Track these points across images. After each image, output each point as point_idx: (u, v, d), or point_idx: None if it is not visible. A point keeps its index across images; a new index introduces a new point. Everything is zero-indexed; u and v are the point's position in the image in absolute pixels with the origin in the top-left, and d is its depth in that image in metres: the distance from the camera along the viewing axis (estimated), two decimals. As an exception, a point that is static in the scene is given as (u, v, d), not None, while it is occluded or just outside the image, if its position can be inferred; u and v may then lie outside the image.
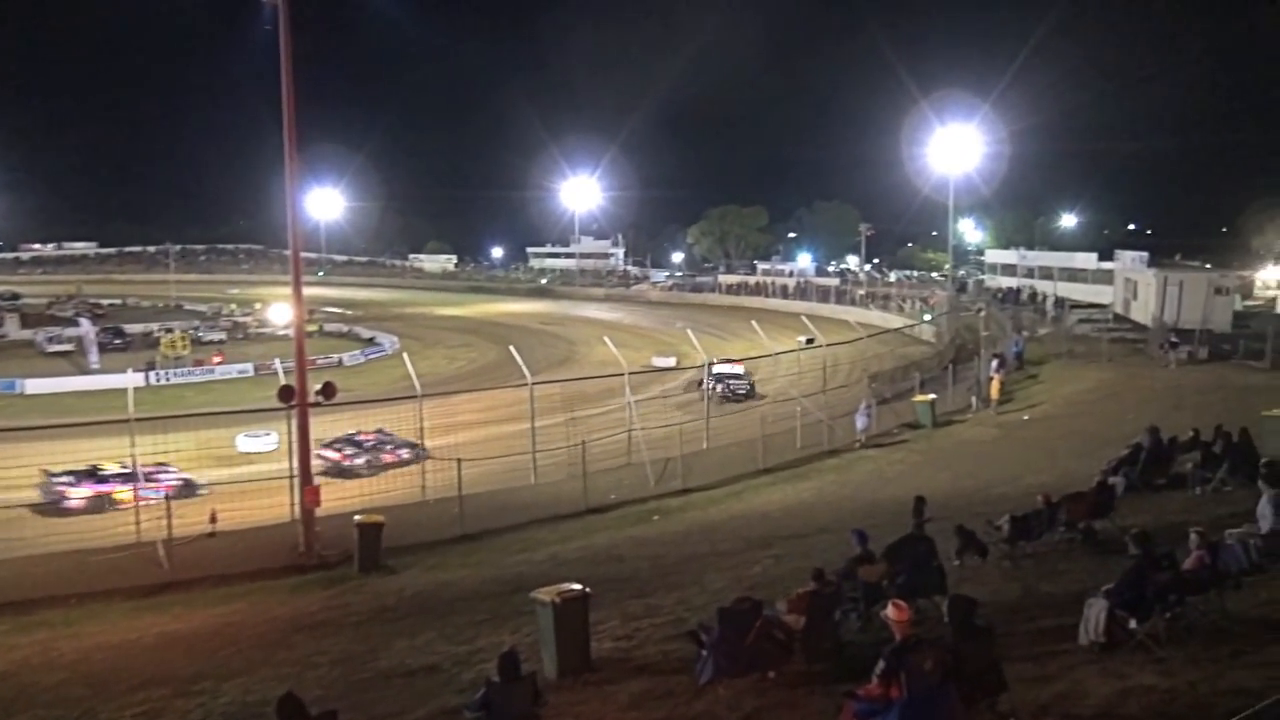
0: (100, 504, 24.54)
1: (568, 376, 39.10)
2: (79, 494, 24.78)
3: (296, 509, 20.54)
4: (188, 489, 24.84)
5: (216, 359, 52.26)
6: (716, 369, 35.39)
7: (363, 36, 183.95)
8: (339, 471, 27.78)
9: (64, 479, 24.93)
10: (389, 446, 29.15)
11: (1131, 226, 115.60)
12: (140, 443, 22.66)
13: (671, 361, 47.88)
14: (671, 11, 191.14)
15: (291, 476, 20.98)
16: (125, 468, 24.04)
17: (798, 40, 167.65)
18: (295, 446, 20.64)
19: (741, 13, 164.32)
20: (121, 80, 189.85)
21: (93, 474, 25.19)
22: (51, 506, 24.33)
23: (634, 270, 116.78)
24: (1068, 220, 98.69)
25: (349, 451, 28.90)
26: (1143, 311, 45.13)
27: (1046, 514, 13.88)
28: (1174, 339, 36.76)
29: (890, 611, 8.22)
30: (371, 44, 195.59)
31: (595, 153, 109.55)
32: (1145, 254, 55.86)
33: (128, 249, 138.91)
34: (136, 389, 27.98)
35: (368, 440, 29.35)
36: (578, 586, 10.71)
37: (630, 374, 30.55)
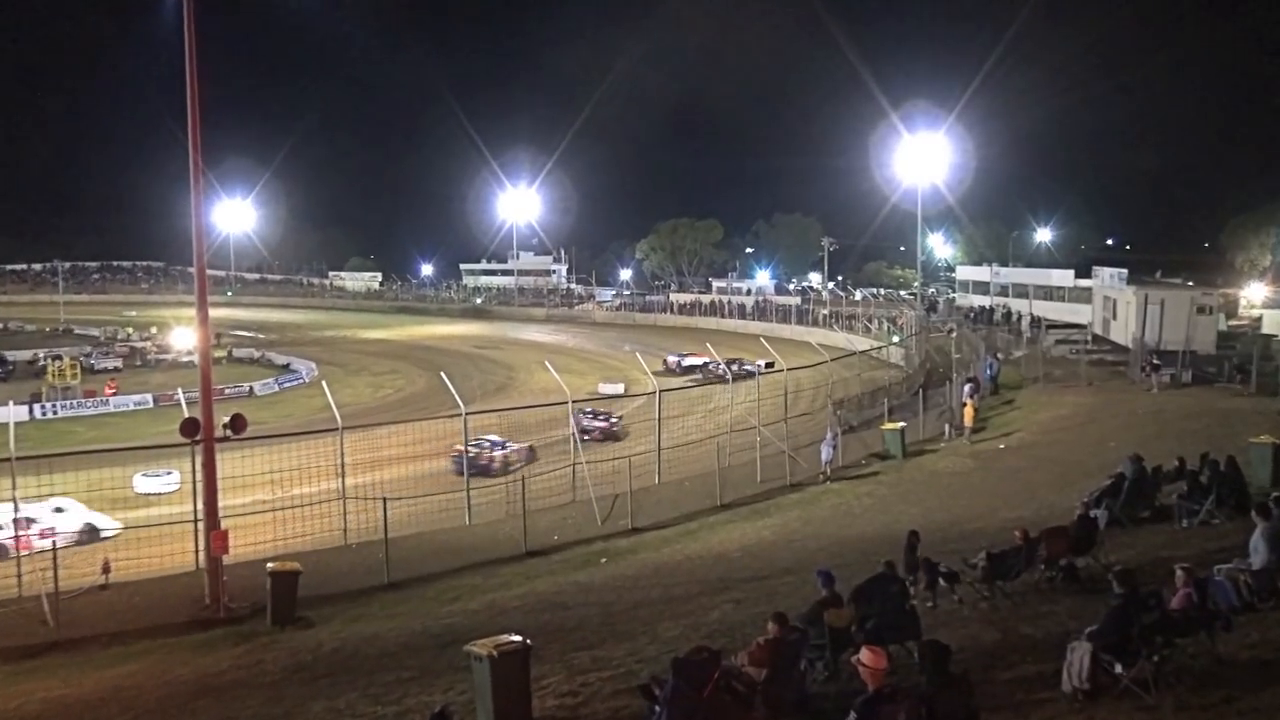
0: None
1: (506, 405, 38.86)
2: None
3: (202, 556, 20.09)
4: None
5: (110, 389, 51.15)
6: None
7: (275, 38, 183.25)
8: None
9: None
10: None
11: (1110, 242, 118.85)
12: (23, 484, 22.02)
13: (620, 388, 47.89)
14: (616, 12, 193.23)
15: (196, 520, 20.52)
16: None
17: (754, 43, 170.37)
18: (200, 486, 20.21)
19: (692, 14, 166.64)
20: None
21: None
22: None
23: (578, 289, 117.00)
24: (1043, 235, 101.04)
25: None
26: (1123, 331, 46.22)
27: (1025, 551, 14.04)
28: (1156, 361, 37.67)
29: (864, 657, 8.24)
30: (284, 46, 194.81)
31: (534, 162, 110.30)
32: (1124, 271, 57.30)
33: (9, 266, 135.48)
34: (18, 423, 27.29)
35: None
36: (517, 638, 10.58)
37: (574, 402, 30.46)
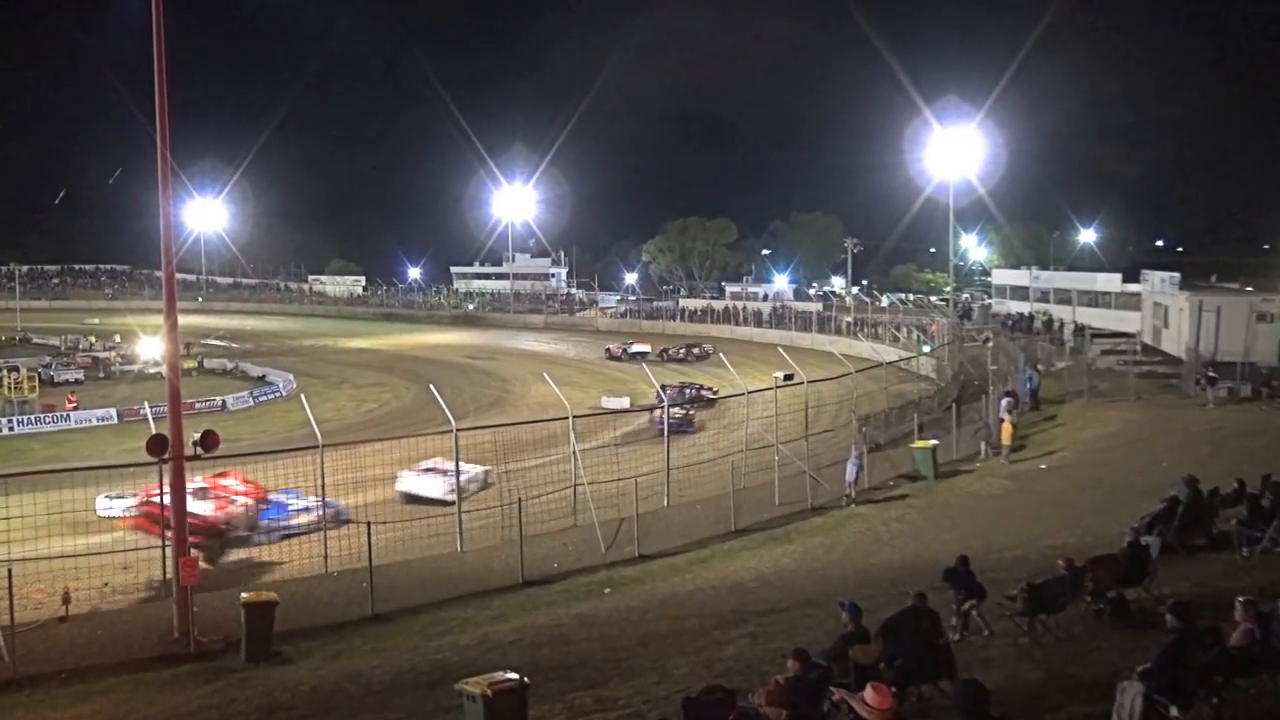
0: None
1: (500, 421, 38.82)
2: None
3: (170, 586, 20.07)
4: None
5: (71, 403, 51.20)
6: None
7: (248, 21, 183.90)
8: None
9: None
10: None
11: (1159, 243, 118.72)
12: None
13: (625, 402, 47.85)
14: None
15: (164, 546, 20.51)
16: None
17: (768, 30, 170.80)
18: (169, 508, 20.21)
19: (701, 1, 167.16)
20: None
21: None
22: None
23: (579, 294, 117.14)
24: (1086, 236, 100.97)
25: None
26: (1175, 341, 46.05)
27: (1069, 581, 13.99)
28: (1212, 374, 37.51)
29: (869, 696, 8.18)
30: (257, 29, 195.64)
31: (531, 156, 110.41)
32: (1176, 275, 57.22)
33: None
34: (-29, 440, 27.28)
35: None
36: (514, 676, 10.58)
37: (575, 418, 30.43)
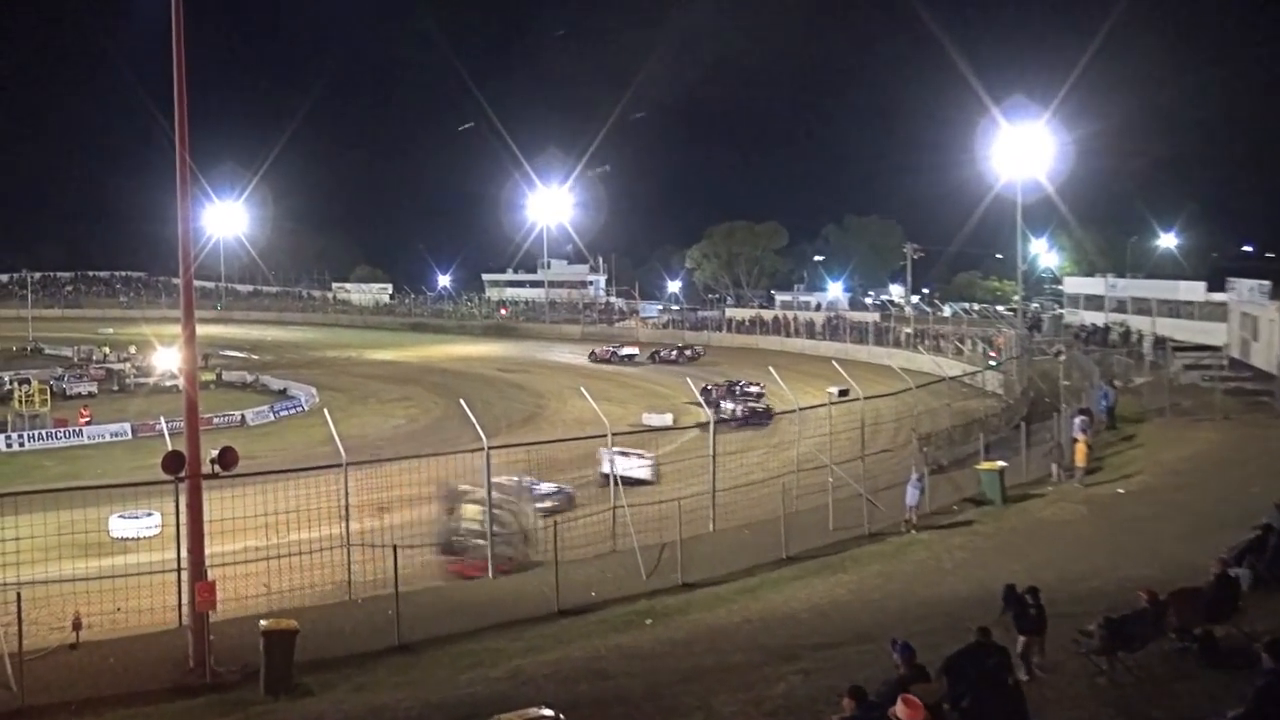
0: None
1: (535, 439, 38.91)
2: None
3: (185, 612, 20.24)
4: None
5: (84, 417, 51.91)
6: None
7: (269, 15, 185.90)
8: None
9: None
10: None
11: (1247, 248, 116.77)
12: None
13: (667, 419, 47.80)
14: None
15: (180, 569, 20.69)
16: None
17: (820, 22, 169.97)
18: (185, 530, 20.40)
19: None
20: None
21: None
22: None
23: (618, 302, 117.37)
24: (1166, 240, 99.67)
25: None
26: (1265, 355, 45.44)
27: (1151, 616, 13.84)
28: (1306, 390, 37.00)
29: (899, 710, 8.09)
30: (279, 24, 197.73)
31: (568, 156, 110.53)
32: (1266, 283, 56.26)
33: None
34: (-21, 456, 27.71)
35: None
36: (548, 712, 10.57)
37: (615, 435, 30.44)
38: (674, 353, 77.38)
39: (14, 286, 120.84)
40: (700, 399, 38.37)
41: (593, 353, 78.98)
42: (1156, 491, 29.61)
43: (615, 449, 31.28)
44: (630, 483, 31.62)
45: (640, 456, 35.54)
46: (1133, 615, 13.83)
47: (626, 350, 78.28)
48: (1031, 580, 15.75)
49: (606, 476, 30.84)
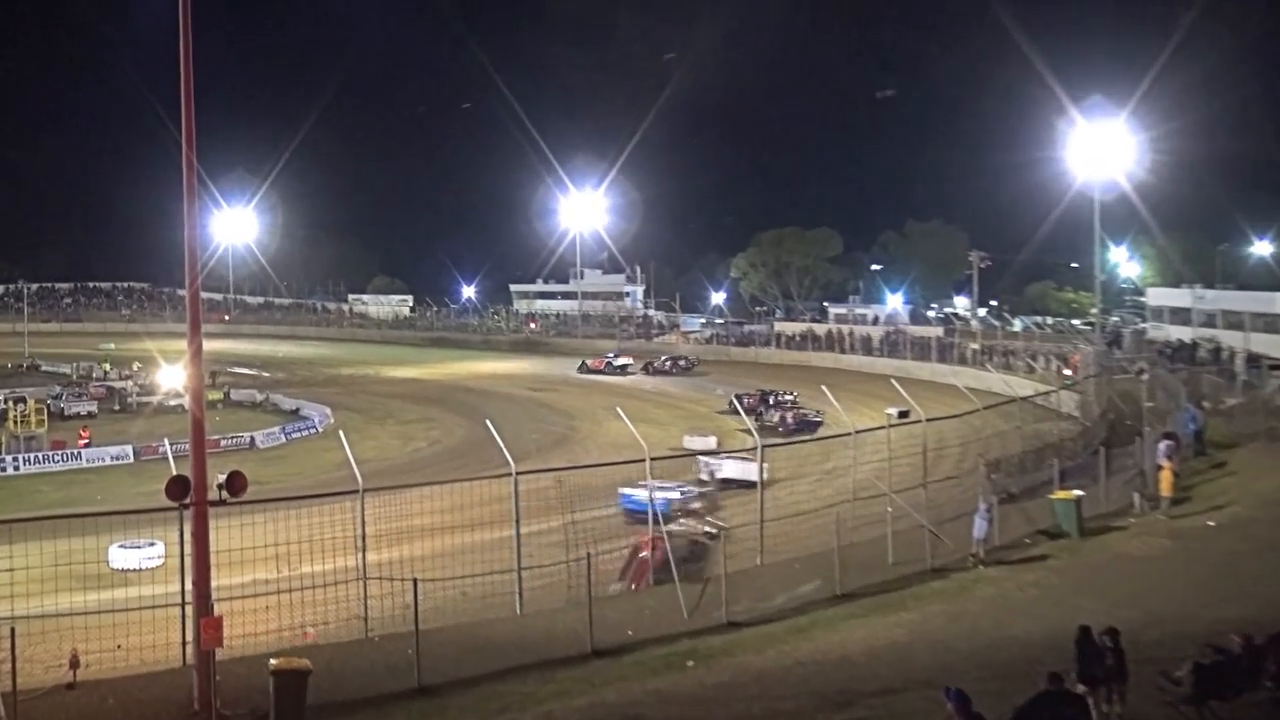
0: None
1: (566, 464, 38.97)
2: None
3: (190, 650, 20.37)
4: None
5: (83, 439, 52.48)
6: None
7: (285, 21, 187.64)
8: None
9: None
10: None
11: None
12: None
13: (711, 442, 47.78)
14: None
15: (184, 603, 20.82)
16: None
17: (878, 14, 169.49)
18: (190, 561, 20.53)
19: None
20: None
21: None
22: None
23: (658, 315, 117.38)
24: (1261, 248, 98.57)
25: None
26: (1371, 374, 44.87)
27: (1245, 662, 13.69)
28: None
29: None
30: (290, 21, 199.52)
31: (602, 159, 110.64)
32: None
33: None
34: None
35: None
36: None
37: (653, 460, 30.42)
38: (668, 363, 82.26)
39: (9, 299, 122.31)
40: (740, 409, 38.93)
41: (583, 364, 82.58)
42: (1250, 524, 29.29)
43: (723, 455, 36.25)
44: (737, 485, 36.29)
45: (744, 460, 37.98)
46: (1225, 661, 13.70)
47: (620, 360, 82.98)
48: (1111, 621, 15.59)
49: (724, 480, 36.05)
